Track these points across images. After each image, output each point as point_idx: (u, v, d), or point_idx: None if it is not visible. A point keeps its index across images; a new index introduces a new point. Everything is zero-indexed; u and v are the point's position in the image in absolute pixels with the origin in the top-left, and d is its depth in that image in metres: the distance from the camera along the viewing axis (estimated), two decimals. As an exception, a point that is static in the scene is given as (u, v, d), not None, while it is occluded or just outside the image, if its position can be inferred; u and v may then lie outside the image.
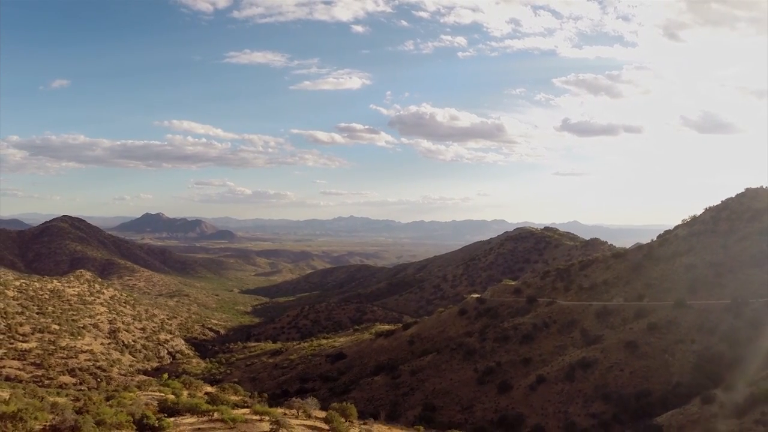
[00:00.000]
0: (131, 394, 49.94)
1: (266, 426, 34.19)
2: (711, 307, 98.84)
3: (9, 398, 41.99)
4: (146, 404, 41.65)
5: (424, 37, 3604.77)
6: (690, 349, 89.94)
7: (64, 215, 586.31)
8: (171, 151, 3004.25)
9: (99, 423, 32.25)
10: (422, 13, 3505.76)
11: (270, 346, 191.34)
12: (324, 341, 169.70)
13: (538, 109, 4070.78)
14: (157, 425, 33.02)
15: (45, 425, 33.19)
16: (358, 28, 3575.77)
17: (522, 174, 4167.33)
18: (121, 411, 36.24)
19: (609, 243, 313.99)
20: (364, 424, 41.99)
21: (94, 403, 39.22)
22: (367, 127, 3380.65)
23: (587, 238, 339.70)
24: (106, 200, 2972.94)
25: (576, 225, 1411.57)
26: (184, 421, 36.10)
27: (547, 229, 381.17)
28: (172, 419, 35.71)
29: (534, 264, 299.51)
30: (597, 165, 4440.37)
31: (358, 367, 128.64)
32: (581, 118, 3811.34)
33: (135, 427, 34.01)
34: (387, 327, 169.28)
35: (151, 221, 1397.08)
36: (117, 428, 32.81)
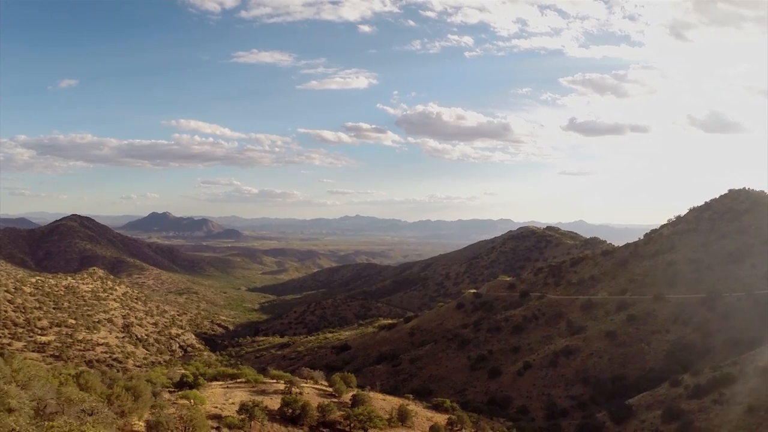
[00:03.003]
0: (163, 369, 58.02)
1: (282, 386, 42.15)
2: (687, 301, 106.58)
3: (65, 365, 49.97)
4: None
5: (431, 36, 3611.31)
6: (665, 338, 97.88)
7: (73, 214, 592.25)
8: (178, 150, 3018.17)
9: (147, 381, 40.27)
10: (429, 13, 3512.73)
11: (278, 340, 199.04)
12: (330, 335, 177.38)
13: (544, 108, 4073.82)
14: (193, 382, 40.97)
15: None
16: (366, 28, 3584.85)
17: (528, 173, 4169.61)
18: (162, 375, 44.32)
19: (608, 242, 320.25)
20: (362, 390, 49.94)
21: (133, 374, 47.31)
22: (373, 126, 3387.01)
23: (589, 238, 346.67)
24: (113, 199, 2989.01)
25: (582, 224, 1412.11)
26: (214, 383, 44.12)
27: (548, 228, 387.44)
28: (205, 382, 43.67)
29: (535, 262, 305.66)
30: (603, 164, 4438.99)
31: (362, 357, 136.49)
32: (588, 118, 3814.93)
33: (175, 388, 42.05)
34: (390, 321, 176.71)
35: (158, 220, 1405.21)
36: (161, 387, 40.79)
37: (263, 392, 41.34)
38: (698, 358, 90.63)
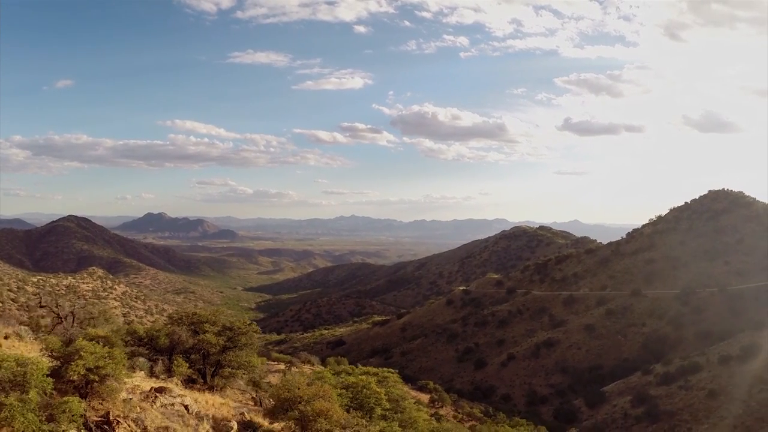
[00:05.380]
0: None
1: (282, 366, 47.89)
2: (663, 296, 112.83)
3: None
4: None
5: (427, 37, 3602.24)
6: (640, 331, 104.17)
7: (69, 215, 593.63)
8: (173, 150, 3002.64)
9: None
10: (425, 14, 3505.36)
11: (274, 336, 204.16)
12: (325, 331, 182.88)
13: (539, 108, 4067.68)
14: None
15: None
16: (361, 29, 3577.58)
17: (523, 173, 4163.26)
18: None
19: (599, 241, 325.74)
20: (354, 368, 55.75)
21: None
22: (369, 126, 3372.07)
23: (580, 237, 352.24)
24: (109, 200, 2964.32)
25: (577, 224, 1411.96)
26: (222, 365, 49.87)
27: (541, 228, 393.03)
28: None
29: (526, 261, 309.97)
30: (598, 164, 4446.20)
31: (355, 351, 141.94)
32: (582, 118, 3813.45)
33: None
34: (383, 318, 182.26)
35: (153, 221, 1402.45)
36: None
37: (267, 371, 47.01)
38: (670, 349, 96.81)
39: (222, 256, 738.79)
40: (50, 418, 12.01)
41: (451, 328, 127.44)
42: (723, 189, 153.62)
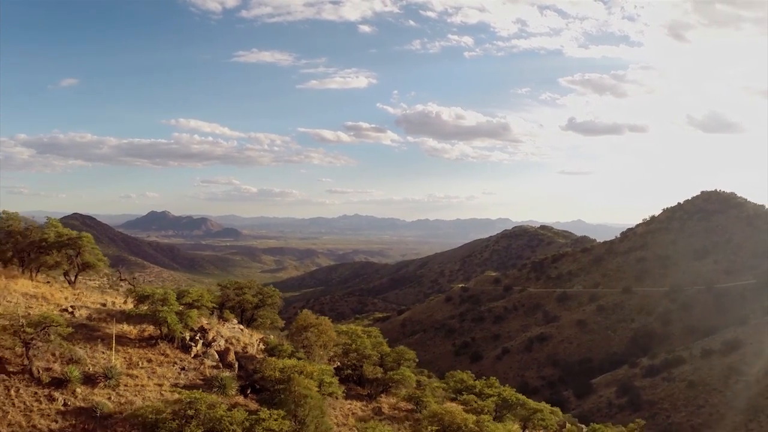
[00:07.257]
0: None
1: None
2: (652, 293, 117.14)
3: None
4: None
5: (431, 36, 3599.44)
6: (629, 326, 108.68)
7: (75, 213, 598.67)
8: (177, 149, 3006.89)
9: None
10: (429, 13, 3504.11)
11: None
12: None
13: (543, 108, 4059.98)
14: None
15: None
16: (366, 28, 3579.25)
17: (527, 173, 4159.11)
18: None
19: (597, 241, 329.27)
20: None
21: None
22: (373, 125, 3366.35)
23: (580, 236, 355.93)
24: (113, 198, 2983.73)
25: (581, 224, 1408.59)
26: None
27: (542, 227, 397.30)
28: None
29: (526, 260, 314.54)
30: (602, 164, 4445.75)
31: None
32: (587, 118, 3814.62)
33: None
34: (384, 314, 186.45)
35: (157, 219, 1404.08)
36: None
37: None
38: (657, 344, 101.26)
39: (225, 255, 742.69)
40: (180, 320, 21.76)
41: (449, 323, 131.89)
42: (715, 190, 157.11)
